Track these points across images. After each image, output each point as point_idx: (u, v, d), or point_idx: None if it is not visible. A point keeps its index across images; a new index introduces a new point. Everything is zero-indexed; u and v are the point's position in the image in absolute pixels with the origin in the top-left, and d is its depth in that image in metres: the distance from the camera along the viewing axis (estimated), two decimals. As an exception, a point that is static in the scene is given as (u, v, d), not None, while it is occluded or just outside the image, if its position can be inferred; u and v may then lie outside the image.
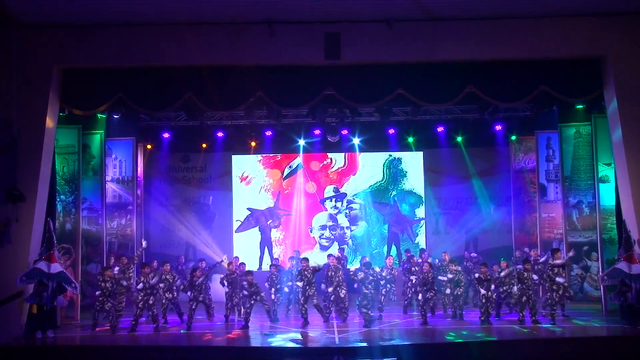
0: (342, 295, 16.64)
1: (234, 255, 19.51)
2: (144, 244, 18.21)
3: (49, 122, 15.90)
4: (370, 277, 16.30)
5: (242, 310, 16.64)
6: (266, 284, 17.15)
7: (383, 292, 17.41)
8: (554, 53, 16.23)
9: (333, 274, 16.71)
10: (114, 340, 14.90)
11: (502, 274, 16.39)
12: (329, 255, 17.72)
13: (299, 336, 14.94)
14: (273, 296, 16.99)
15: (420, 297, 16.47)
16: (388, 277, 17.64)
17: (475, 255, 19.61)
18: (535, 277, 16.46)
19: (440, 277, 17.26)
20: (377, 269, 17.39)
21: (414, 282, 17.39)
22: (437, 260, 18.81)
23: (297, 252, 20.00)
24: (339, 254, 18.41)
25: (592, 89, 16.53)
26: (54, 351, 14.29)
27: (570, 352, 13.66)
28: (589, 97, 16.76)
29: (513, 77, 16.54)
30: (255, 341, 14.78)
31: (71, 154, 17.68)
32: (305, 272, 16.43)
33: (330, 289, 16.63)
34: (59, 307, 16.02)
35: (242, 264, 18.22)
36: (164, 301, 16.51)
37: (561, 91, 16.49)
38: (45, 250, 15.30)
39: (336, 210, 22.99)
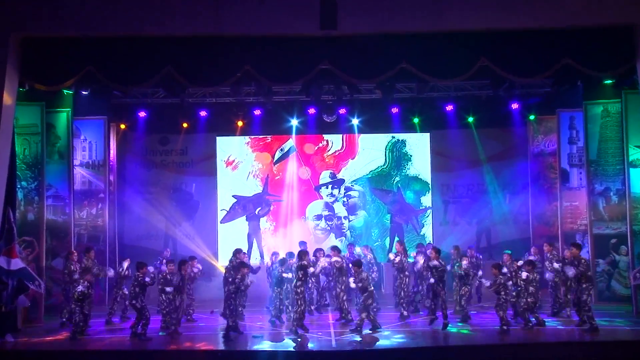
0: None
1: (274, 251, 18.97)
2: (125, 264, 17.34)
3: (7, 99, 15.60)
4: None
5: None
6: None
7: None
8: (579, 21, 15.87)
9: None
10: (82, 345, 14.81)
11: (487, 284, 15.93)
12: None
13: (291, 339, 14.87)
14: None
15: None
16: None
17: (480, 256, 19.23)
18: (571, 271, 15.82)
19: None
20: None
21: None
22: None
23: (304, 243, 19.58)
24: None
25: (622, 62, 16.15)
26: (14, 357, 14.27)
27: (589, 357, 13.72)
28: (619, 70, 16.42)
29: (532, 49, 16.24)
30: (242, 344, 14.65)
31: (33, 134, 17.53)
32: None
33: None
34: (20, 308, 15.90)
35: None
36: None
37: (587, 64, 16.16)
38: (5, 244, 15.22)
39: (333, 198, 22.97)
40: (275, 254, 18.04)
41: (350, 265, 16.41)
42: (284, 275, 16.26)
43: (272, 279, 17.24)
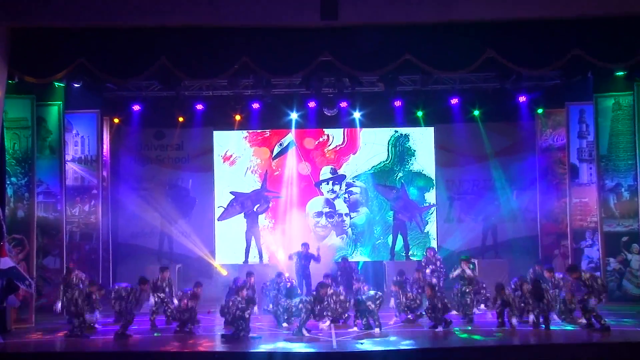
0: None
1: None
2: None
3: (-4, 91, 15.56)
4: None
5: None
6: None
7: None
8: (590, 10, 15.77)
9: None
10: (74, 346, 14.69)
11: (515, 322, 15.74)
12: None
13: (290, 340, 14.79)
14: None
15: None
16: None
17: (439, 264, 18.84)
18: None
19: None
20: None
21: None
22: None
23: (306, 245, 19.56)
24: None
25: (635, 52, 16.04)
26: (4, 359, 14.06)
27: (598, 358, 13.74)
28: (632, 61, 16.29)
29: (540, 40, 16.18)
30: (241, 346, 14.48)
31: (23, 128, 17.29)
32: None
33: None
34: (10, 309, 15.78)
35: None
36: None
37: (597, 55, 16.11)
38: (-7, 243, 15.23)
39: (334, 195, 22.84)
40: (280, 274, 17.68)
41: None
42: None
43: (268, 296, 17.21)
